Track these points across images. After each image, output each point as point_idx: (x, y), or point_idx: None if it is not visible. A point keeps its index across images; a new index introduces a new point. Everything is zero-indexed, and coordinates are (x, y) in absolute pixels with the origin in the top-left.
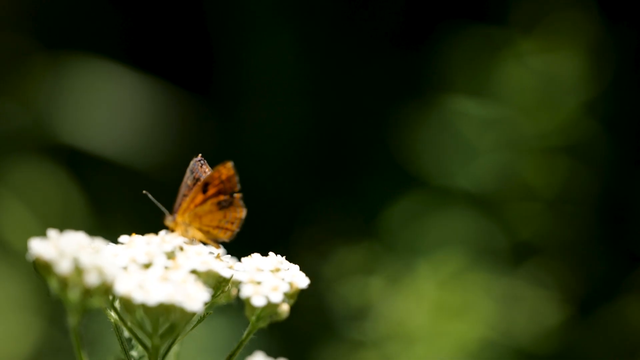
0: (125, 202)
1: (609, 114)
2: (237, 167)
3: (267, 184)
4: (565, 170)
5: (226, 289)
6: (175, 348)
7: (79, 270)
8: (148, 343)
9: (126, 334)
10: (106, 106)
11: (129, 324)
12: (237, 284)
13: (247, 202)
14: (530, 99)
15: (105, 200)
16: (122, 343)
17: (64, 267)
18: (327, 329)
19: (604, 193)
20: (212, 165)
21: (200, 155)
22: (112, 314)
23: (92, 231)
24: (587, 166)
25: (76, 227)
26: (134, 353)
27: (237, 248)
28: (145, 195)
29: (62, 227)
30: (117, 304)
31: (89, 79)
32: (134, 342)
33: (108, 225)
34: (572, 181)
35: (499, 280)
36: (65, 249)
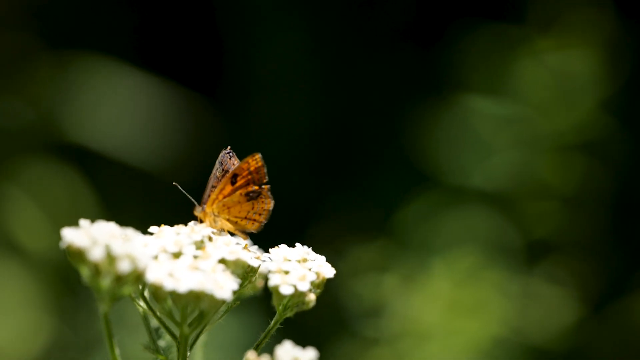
0: (134, 200)
1: (625, 112)
2: None
3: (279, 182)
4: (581, 168)
5: (253, 279)
6: (202, 338)
7: (111, 258)
8: (176, 332)
9: (153, 324)
10: (114, 105)
11: (158, 313)
12: (263, 275)
13: None
14: (547, 97)
15: (114, 198)
16: (150, 332)
17: (96, 254)
18: (340, 325)
19: (619, 190)
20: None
21: (229, 147)
22: (141, 303)
23: None
24: (603, 164)
25: None
26: (161, 343)
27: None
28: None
29: (71, 225)
30: (146, 294)
31: (97, 78)
32: (161, 331)
33: (118, 223)
34: (588, 179)
35: (514, 278)
36: (97, 237)
